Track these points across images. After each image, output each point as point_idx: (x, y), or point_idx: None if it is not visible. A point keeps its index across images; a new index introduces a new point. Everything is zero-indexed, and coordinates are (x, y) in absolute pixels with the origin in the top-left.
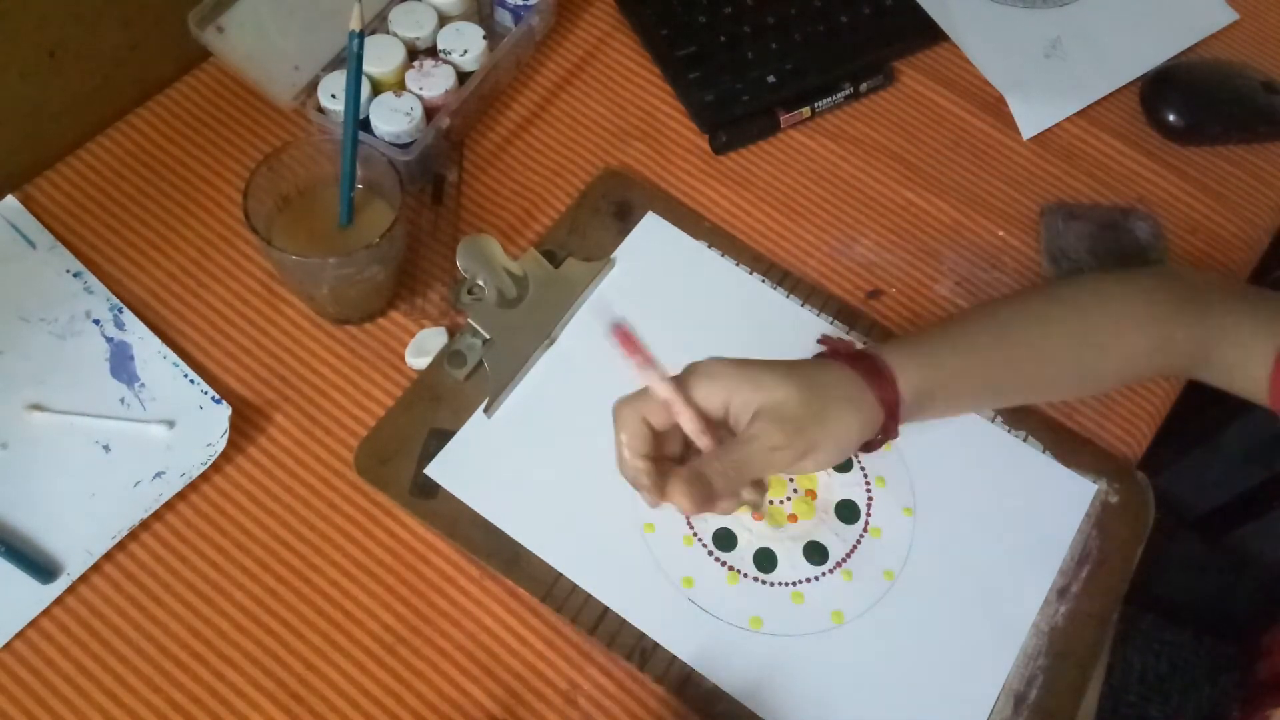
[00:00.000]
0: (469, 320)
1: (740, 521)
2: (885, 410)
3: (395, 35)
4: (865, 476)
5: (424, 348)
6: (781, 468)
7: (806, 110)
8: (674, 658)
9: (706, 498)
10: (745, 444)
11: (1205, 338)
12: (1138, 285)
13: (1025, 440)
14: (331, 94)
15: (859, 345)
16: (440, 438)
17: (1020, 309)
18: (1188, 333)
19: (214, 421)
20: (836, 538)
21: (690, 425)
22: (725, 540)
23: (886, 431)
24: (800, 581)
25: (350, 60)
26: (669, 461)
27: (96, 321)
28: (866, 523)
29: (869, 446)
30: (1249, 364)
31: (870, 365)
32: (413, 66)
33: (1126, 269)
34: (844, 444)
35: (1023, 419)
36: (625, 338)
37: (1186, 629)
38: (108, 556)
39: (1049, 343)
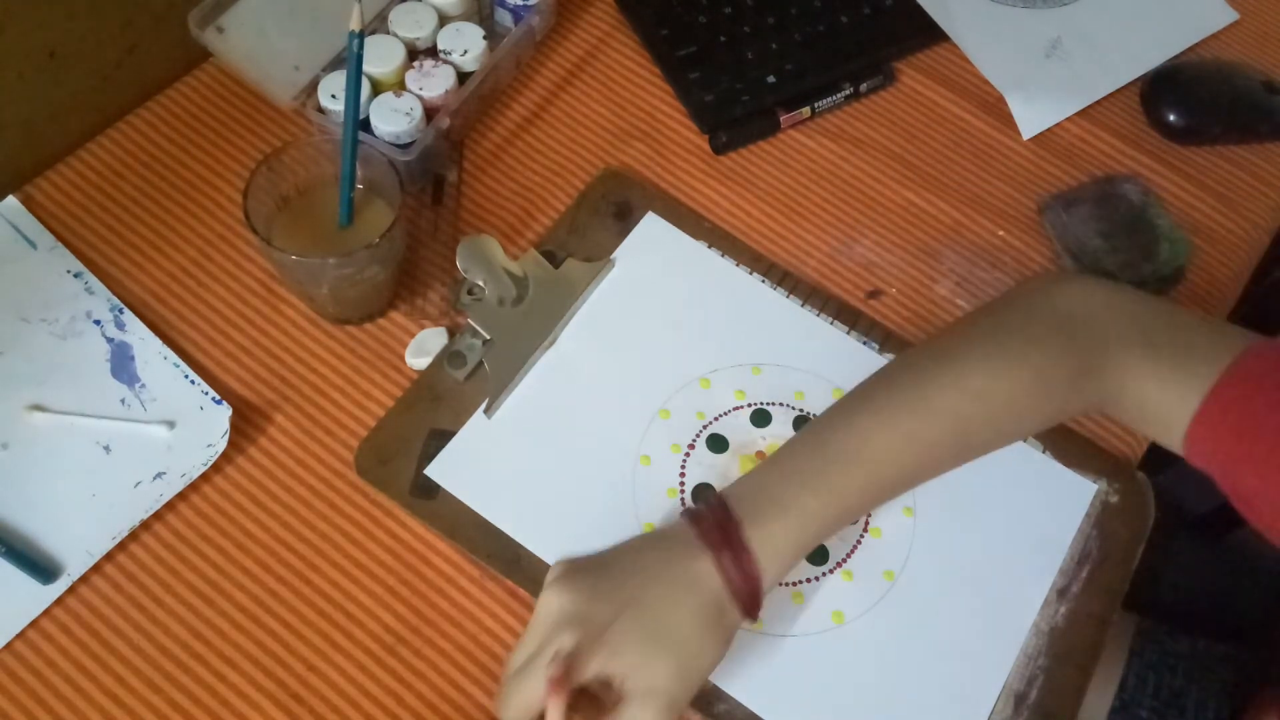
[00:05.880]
0: (469, 321)
1: None
2: (745, 609)
3: (395, 35)
4: None
5: (424, 348)
6: None
7: (806, 110)
8: None
9: None
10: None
11: (1108, 395)
12: (1024, 366)
13: (1025, 440)
14: (331, 94)
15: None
16: (440, 438)
17: (884, 426)
18: (1086, 401)
19: (214, 422)
20: (837, 538)
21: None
22: None
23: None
24: (800, 581)
25: (350, 60)
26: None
27: (97, 322)
28: (867, 523)
29: None
30: (1163, 414)
31: (740, 565)
32: (413, 66)
33: (995, 336)
34: (705, 677)
35: None
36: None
37: (1203, 638)
38: (108, 557)
39: (931, 451)
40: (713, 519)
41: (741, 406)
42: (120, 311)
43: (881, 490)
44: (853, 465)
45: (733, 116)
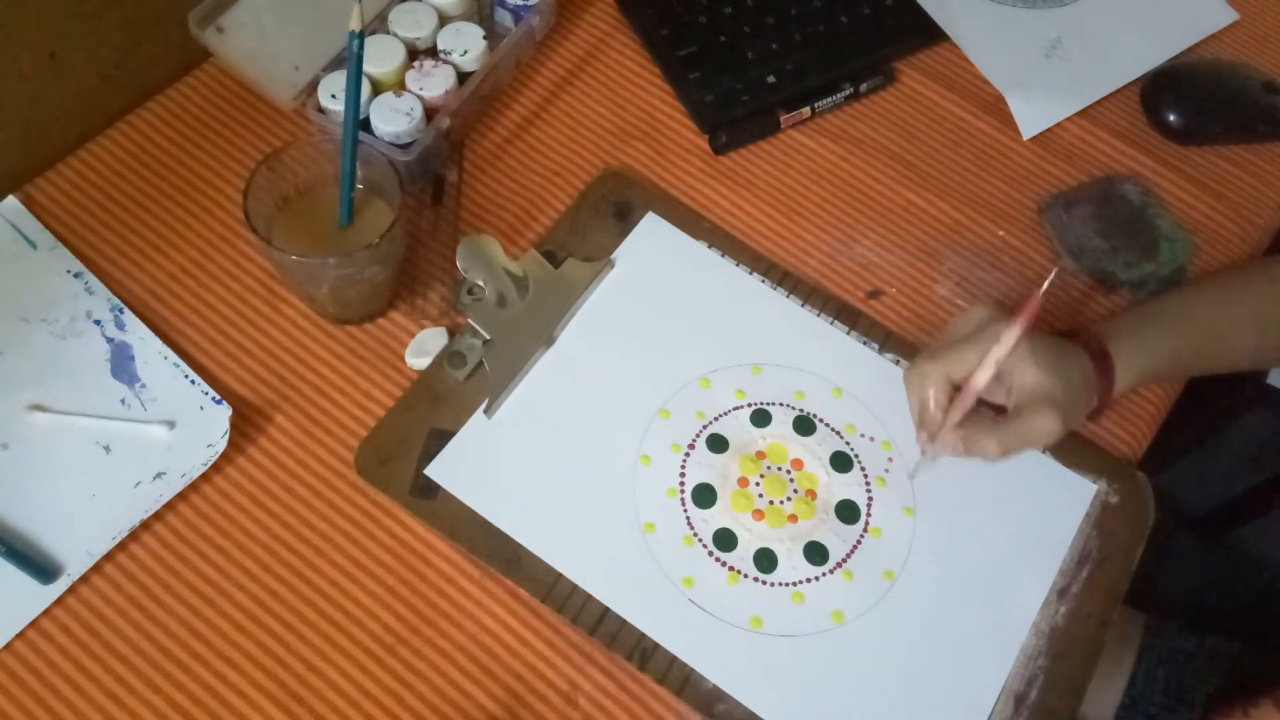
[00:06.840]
0: (469, 321)
1: (740, 522)
2: (1100, 406)
3: (395, 35)
4: (865, 477)
5: (424, 348)
6: (1039, 444)
7: (806, 110)
8: (674, 658)
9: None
10: (1026, 423)
11: None
12: None
13: None
14: (331, 94)
15: (1098, 332)
16: (440, 438)
17: (1237, 310)
18: None
19: (214, 422)
20: (837, 538)
21: (984, 383)
22: (725, 540)
23: (1090, 420)
24: (800, 582)
25: (350, 60)
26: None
27: (97, 322)
28: (867, 523)
29: None
30: None
31: (1105, 366)
32: (413, 66)
33: None
34: (1073, 428)
35: None
36: (1033, 313)
37: (1210, 636)
38: (108, 557)
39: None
40: (1093, 334)
41: (741, 406)
42: (120, 311)
43: (1203, 351)
44: (1187, 322)
45: (733, 116)
